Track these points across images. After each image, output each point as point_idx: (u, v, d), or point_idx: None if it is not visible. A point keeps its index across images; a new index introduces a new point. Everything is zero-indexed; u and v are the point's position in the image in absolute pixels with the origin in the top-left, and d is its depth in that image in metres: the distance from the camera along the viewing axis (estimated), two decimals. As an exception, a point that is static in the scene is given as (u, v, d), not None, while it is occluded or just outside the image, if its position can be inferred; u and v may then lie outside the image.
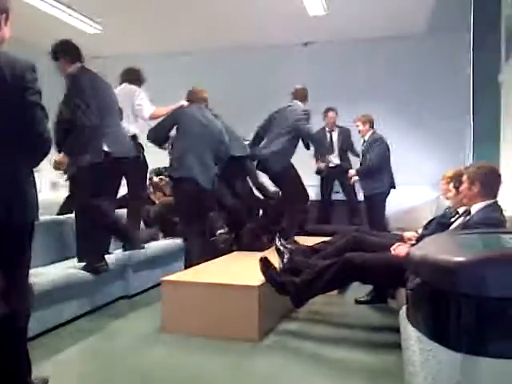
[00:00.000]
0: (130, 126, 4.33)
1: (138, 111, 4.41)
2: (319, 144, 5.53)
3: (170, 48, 7.30)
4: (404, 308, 2.31)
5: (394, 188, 5.63)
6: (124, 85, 4.54)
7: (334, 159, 6.30)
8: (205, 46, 7.26)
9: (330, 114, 6.34)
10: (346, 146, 6.37)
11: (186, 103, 4.48)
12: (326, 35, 6.88)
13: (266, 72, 7.07)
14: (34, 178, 2.16)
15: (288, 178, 4.88)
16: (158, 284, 3.53)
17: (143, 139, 4.45)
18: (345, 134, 6.36)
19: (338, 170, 6.25)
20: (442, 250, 1.05)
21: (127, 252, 4.18)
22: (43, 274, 3.23)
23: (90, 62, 7.52)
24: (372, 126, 5.68)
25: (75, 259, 3.83)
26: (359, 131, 5.75)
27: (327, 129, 6.40)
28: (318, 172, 6.35)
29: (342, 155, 6.37)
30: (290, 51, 7.23)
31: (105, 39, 6.86)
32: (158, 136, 4.42)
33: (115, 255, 4.10)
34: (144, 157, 4.47)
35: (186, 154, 4.20)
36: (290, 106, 4.99)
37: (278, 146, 4.81)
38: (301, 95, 5.08)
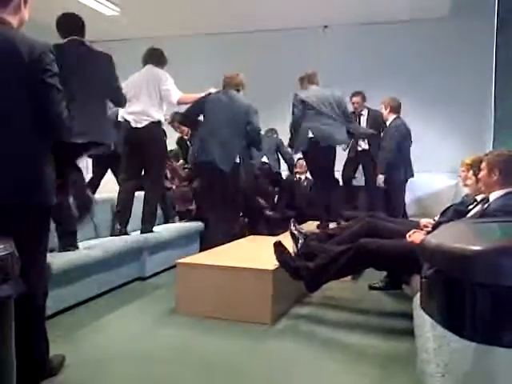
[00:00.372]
0: (154, 112, 4.30)
1: (166, 96, 4.35)
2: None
3: (188, 31, 7.26)
4: (418, 295, 2.30)
5: (412, 177, 5.51)
6: (148, 66, 4.46)
7: (362, 143, 6.04)
8: (223, 29, 7.20)
9: (354, 98, 6.03)
10: (375, 130, 5.86)
11: (213, 90, 4.48)
12: (346, 18, 6.77)
13: (285, 55, 7.00)
14: (51, 159, 2.19)
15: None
16: (173, 266, 3.56)
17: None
18: (374, 117, 5.95)
19: (364, 154, 6.02)
20: (457, 238, 1.04)
21: (143, 234, 4.23)
22: (60, 254, 3.28)
23: (107, 44, 7.52)
24: (394, 111, 5.40)
25: (91, 240, 3.91)
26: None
27: (356, 113, 6.06)
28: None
29: (371, 139, 5.95)
30: (310, 34, 7.13)
31: (123, 21, 6.84)
32: (187, 120, 4.67)
33: (131, 237, 4.15)
34: (165, 143, 4.46)
35: (207, 139, 4.27)
36: (319, 89, 4.93)
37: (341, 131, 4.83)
38: (316, 80, 5.03)
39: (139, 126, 4.25)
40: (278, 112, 6.07)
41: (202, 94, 4.45)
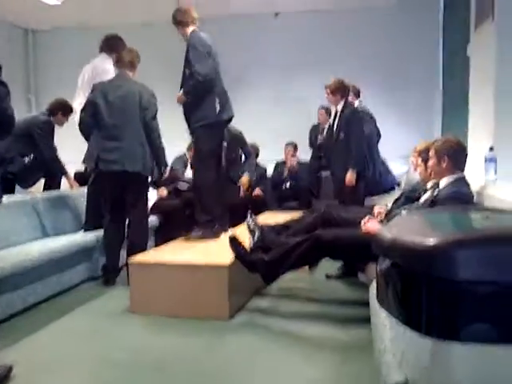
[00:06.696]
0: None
1: None
2: None
3: (132, 19, 7.02)
4: (374, 284, 2.31)
5: None
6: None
7: None
8: (168, 18, 7.02)
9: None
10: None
11: None
12: (297, 5, 6.75)
13: (235, 43, 6.91)
14: None
15: None
16: (126, 265, 3.46)
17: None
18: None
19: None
20: (413, 231, 1.02)
21: (94, 233, 4.07)
22: (6, 258, 3.12)
23: (53, 33, 7.21)
24: (344, 96, 4.62)
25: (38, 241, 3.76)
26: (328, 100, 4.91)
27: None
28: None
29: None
30: (261, 21, 7.09)
31: (65, 11, 6.55)
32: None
33: (82, 236, 4.01)
34: None
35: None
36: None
37: None
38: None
39: None
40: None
41: None
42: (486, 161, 3.22)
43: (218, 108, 3.82)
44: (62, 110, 4.64)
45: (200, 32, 3.89)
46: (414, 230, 1.06)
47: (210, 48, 3.80)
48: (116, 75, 3.93)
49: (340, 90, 4.48)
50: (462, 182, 2.77)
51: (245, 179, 5.57)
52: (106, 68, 4.16)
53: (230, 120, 4.10)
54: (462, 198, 2.62)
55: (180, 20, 3.91)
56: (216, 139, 4.00)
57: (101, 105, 3.73)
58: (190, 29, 3.88)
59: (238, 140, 5.39)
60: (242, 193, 5.66)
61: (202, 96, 3.78)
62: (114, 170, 3.72)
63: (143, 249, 3.69)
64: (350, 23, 6.85)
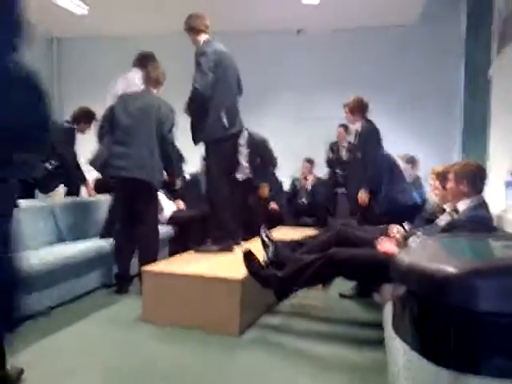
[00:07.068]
0: None
1: None
2: None
3: (160, 30, 7.12)
4: (388, 305, 2.28)
5: None
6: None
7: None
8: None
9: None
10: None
11: None
12: (319, 23, 6.79)
13: (257, 59, 6.96)
14: None
15: None
16: (140, 273, 3.46)
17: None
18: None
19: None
20: (431, 258, 1.00)
21: (109, 240, 4.09)
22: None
23: (77, 42, 7.35)
24: (363, 114, 4.43)
25: (54, 246, 3.77)
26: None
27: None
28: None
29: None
30: (283, 39, 7.14)
31: (92, 20, 6.69)
32: None
33: (96, 243, 4.03)
34: None
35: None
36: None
37: None
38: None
39: None
40: (251, 116, 5.97)
41: None
42: (506, 185, 3.18)
43: (225, 123, 3.80)
44: (85, 117, 4.74)
45: (211, 42, 3.87)
46: (433, 256, 1.04)
47: (214, 61, 3.74)
48: (141, 90, 4.01)
49: (359, 108, 4.42)
50: (482, 205, 2.74)
51: (264, 189, 5.56)
52: (136, 82, 4.23)
53: (238, 134, 4.12)
54: (481, 221, 2.59)
55: (192, 26, 3.93)
56: (226, 154, 3.98)
57: (118, 112, 3.83)
58: (201, 37, 3.89)
59: (259, 147, 5.39)
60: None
61: (202, 109, 3.75)
62: (123, 176, 3.77)
63: (154, 259, 3.71)
64: (372, 42, 6.87)
